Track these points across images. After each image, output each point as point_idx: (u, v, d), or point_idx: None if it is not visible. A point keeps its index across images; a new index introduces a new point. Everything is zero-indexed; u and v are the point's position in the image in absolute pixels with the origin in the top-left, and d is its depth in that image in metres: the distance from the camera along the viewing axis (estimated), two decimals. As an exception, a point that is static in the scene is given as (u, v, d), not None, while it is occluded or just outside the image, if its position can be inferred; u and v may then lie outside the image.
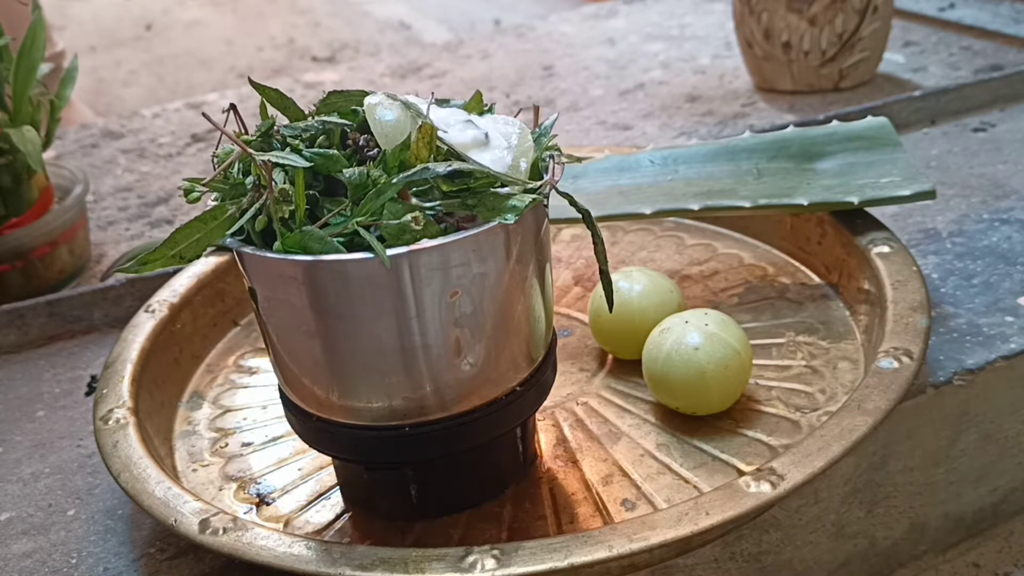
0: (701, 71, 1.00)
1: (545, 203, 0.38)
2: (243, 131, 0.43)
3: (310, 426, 0.42)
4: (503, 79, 1.05)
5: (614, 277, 0.53)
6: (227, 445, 0.51)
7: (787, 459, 0.39)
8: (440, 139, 0.39)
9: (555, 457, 0.47)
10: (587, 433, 0.48)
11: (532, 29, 1.21)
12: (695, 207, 0.55)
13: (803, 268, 0.58)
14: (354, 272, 0.36)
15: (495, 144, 0.41)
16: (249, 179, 0.40)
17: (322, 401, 0.41)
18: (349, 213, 0.38)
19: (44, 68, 0.71)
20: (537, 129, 0.43)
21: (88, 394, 0.60)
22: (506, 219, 0.37)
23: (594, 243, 0.40)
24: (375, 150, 0.40)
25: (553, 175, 0.40)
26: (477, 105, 0.46)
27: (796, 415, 0.47)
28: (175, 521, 0.40)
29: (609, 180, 0.58)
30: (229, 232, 0.38)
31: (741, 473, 0.44)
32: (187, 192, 0.42)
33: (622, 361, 0.53)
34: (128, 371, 0.51)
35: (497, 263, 0.38)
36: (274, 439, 0.51)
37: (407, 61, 1.15)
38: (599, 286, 0.53)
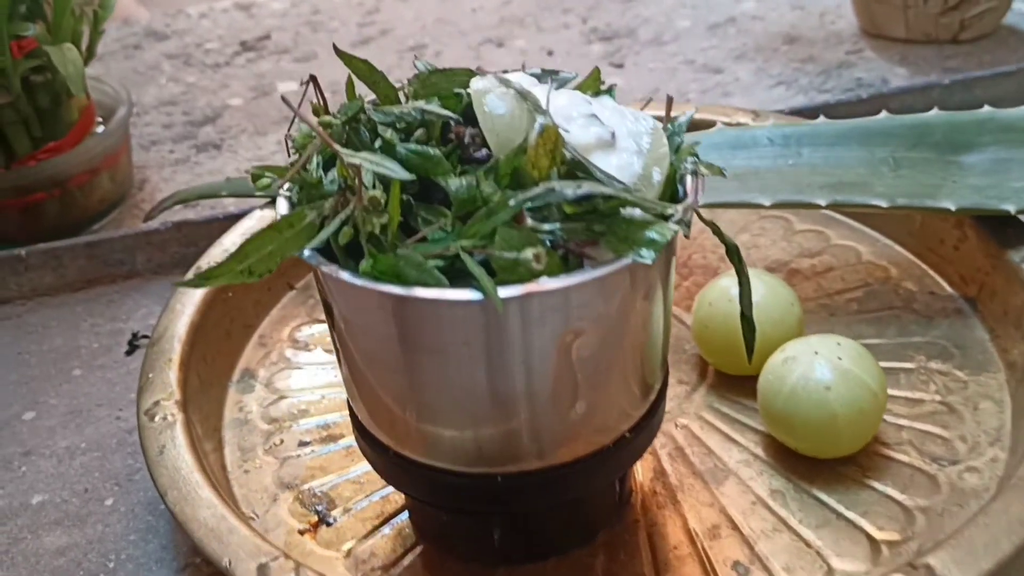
0: (800, 6, 0.91)
1: (686, 232, 0.32)
2: (322, 106, 0.37)
3: (386, 460, 0.36)
4: (579, 0, 0.96)
5: (722, 280, 0.47)
6: (282, 442, 0.45)
7: (946, 555, 0.33)
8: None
9: (653, 493, 0.41)
10: (689, 467, 0.42)
11: (611, -59, 1.11)
12: (822, 202, 0.48)
13: (933, 274, 0.52)
14: (456, 312, 0.30)
15: (622, 146, 0.34)
16: (331, 176, 0.33)
17: (401, 436, 0.35)
18: (451, 229, 0.32)
19: (87, -28, 0.64)
20: (669, 126, 0.36)
21: (129, 353, 0.55)
22: (642, 257, 0.30)
23: (739, 283, 0.34)
24: (483, 151, 0.33)
25: (696, 195, 0.33)
26: (593, 84, 0.39)
27: (932, 467, 0.41)
28: (229, 564, 0.35)
29: (721, 159, 0.50)
30: (310, 245, 0.32)
31: (872, 540, 0.38)
32: (255, 178, 0.36)
33: (726, 375, 0.47)
34: (176, 351, 0.45)
35: (624, 302, 0.32)
36: (333, 438, 0.45)
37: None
38: (709, 288, 0.46)
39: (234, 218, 0.59)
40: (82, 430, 0.51)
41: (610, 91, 0.39)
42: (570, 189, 0.30)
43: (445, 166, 0.32)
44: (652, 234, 0.31)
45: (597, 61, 0.84)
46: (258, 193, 0.56)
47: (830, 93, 0.75)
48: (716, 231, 0.33)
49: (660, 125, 0.36)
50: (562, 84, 0.40)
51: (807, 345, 0.41)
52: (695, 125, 0.59)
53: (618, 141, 0.34)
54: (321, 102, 0.36)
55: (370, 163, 0.30)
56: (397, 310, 0.31)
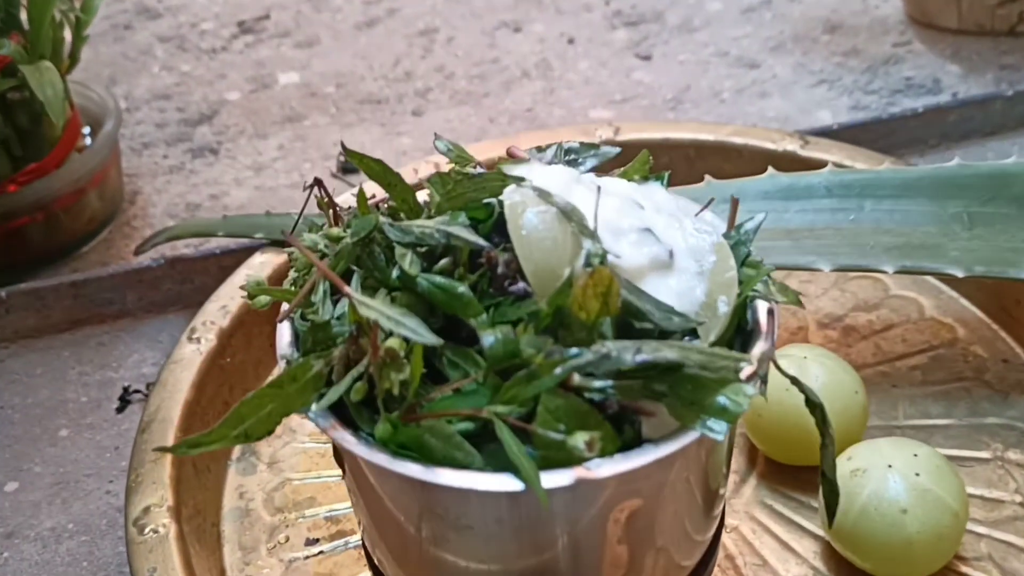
0: (840, -13, 0.84)
1: (763, 391, 0.27)
2: (331, 212, 0.31)
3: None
4: (603, -24, 0.89)
5: (778, 356, 0.42)
6: (287, 540, 0.41)
7: None
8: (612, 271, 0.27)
9: (701, 617, 0.37)
10: (741, 581, 0.38)
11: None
12: (888, 269, 0.43)
13: (1005, 336, 0.47)
14: (490, 501, 0.26)
15: (682, 266, 0.29)
16: (340, 309, 0.28)
17: (424, 592, 0.31)
18: (483, 381, 0.27)
19: (66, -29, 0.58)
20: (734, 233, 0.31)
21: (119, 410, 0.51)
22: (713, 432, 0.25)
23: (823, 444, 0.29)
24: (519, 284, 0.28)
25: (772, 337, 0.28)
26: (641, 167, 0.34)
27: (1016, 590, 0.37)
28: None
29: (773, 212, 0.45)
30: (316, 406, 0.27)
31: None
32: (252, 295, 0.31)
33: (778, 464, 0.42)
34: (169, 439, 0.41)
35: (685, 469, 0.28)
36: (343, 534, 0.41)
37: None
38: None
39: (231, 253, 0.54)
40: (69, 507, 0.46)
41: (661, 178, 0.33)
42: (629, 354, 0.25)
43: (475, 308, 0.27)
44: (724, 400, 0.26)
45: (622, 51, 0.78)
46: (257, 236, 0.52)
47: (877, 95, 0.69)
48: (797, 384, 0.28)
49: (722, 231, 0.31)
50: (603, 160, 0.35)
51: (879, 454, 0.37)
52: (736, 153, 0.54)
53: (677, 260, 0.29)
54: (328, 206, 0.31)
55: (388, 319, 0.25)
56: (421, 491, 0.26)
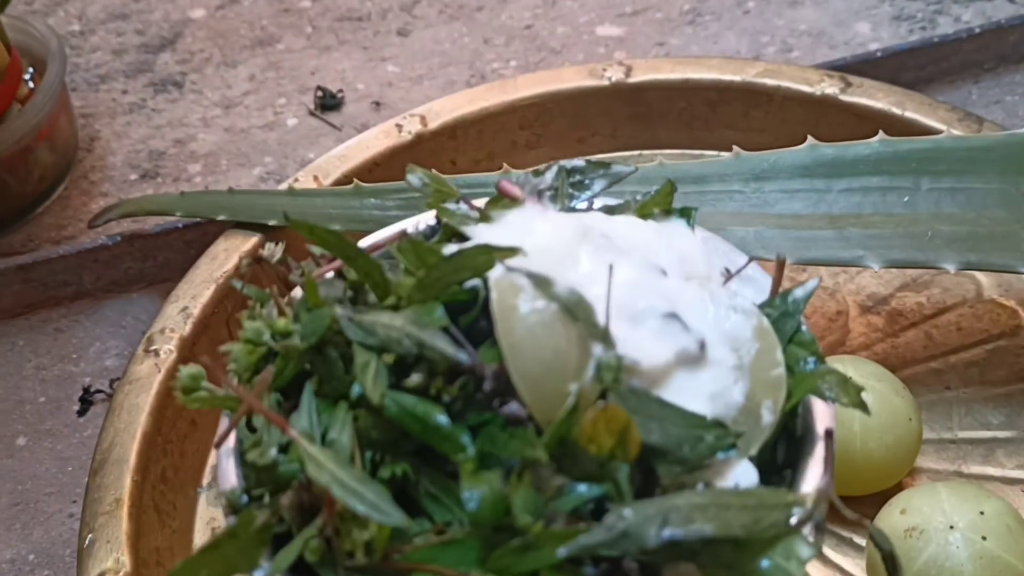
0: None
1: (820, 544, 0.21)
2: (279, 285, 0.25)
3: None
4: None
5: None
6: (266, 587, 0.37)
7: None
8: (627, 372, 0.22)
9: None
10: (774, 639, 0.34)
11: None
12: (951, 267, 0.37)
13: (1078, 325, 0.41)
14: None
15: (715, 359, 0.24)
16: (287, 441, 0.23)
17: None
18: (467, 524, 0.22)
19: None
20: (780, 301, 0.25)
21: (81, 413, 0.46)
22: (760, 611, 0.20)
23: (888, 570, 0.23)
24: (511, 405, 0.22)
25: (830, 465, 0.23)
26: (663, 200, 0.28)
27: (1089, 655, 0.32)
28: None
29: (813, 191, 0.39)
30: (266, 567, 0.22)
31: None
32: (186, 390, 0.25)
33: (818, 489, 0.37)
34: (126, 485, 0.36)
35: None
36: None
37: None
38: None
39: (196, 227, 0.48)
40: (29, 532, 0.42)
41: (686, 214, 0.27)
42: (651, 530, 0.19)
43: (456, 444, 0.22)
44: (772, 567, 0.20)
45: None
46: (219, 219, 0.45)
47: (922, 1, 0.61)
48: (878, 546, 0.23)
49: (764, 297, 0.25)
50: (613, 182, 0.29)
51: (939, 510, 0.32)
52: (767, 97, 0.47)
53: (709, 351, 0.23)
54: (277, 284, 0.25)
55: (343, 488, 0.20)
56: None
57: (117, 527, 0.35)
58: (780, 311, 0.25)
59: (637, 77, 0.49)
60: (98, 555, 0.34)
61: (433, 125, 0.48)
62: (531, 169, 0.29)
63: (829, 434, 0.23)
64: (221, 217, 0.44)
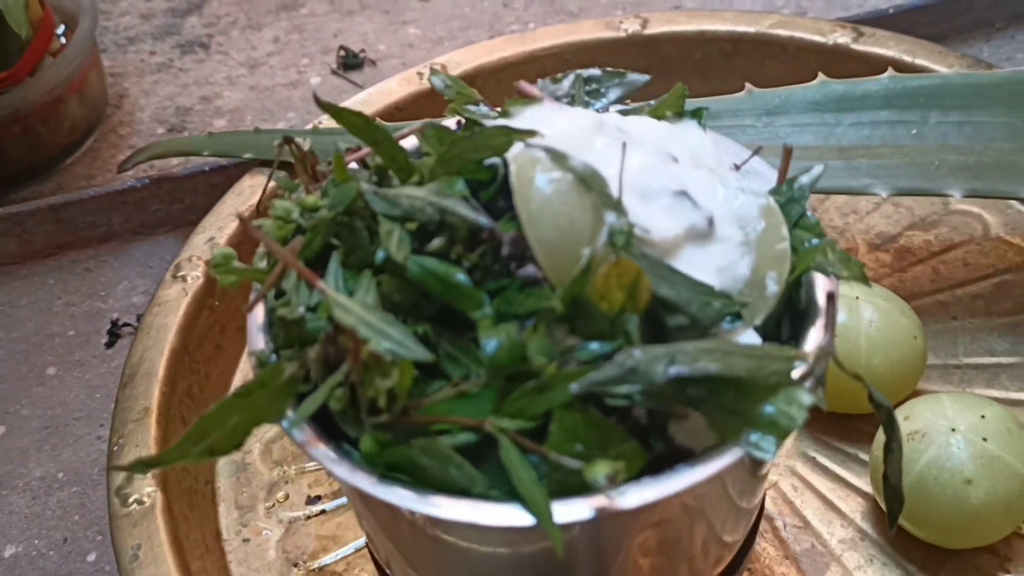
0: None
1: (822, 399, 0.22)
2: (309, 170, 0.27)
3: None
4: None
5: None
6: (287, 498, 0.38)
7: None
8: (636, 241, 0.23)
9: (737, 589, 0.34)
10: (781, 548, 0.35)
11: None
12: (956, 193, 0.38)
13: (1082, 260, 0.42)
14: (495, 533, 0.22)
15: (723, 235, 0.25)
16: (315, 301, 0.24)
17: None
18: (486, 382, 0.23)
19: None
20: (786, 188, 0.26)
21: (109, 345, 0.47)
22: (759, 451, 0.21)
23: (889, 449, 0.24)
24: (528, 267, 0.23)
25: (832, 326, 0.24)
26: (675, 102, 0.29)
27: (1089, 561, 0.33)
28: None
29: (823, 125, 0.40)
30: (292, 415, 0.23)
31: None
32: (219, 268, 0.26)
33: (823, 412, 0.38)
34: (154, 396, 0.37)
35: (727, 486, 0.24)
36: (349, 492, 0.38)
37: None
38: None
39: (222, 171, 0.49)
40: (59, 453, 0.43)
41: (698, 114, 0.28)
42: (660, 365, 0.21)
43: (475, 300, 0.23)
44: (773, 411, 0.21)
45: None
46: (246, 157, 0.47)
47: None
48: (862, 382, 0.24)
49: (771, 183, 0.26)
50: (629, 92, 0.30)
51: (941, 415, 0.32)
52: (781, 48, 0.48)
53: (717, 228, 0.24)
54: (308, 168, 0.26)
55: (368, 327, 0.21)
56: (415, 518, 0.23)
57: (146, 433, 0.36)
58: (787, 197, 0.26)
59: (653, 29, 0.50)
60: (127, 456, 0.36)
61: (454, 73, 0.49)
62: (549, 77, 0.30)
63: (831, 297, 0.24)
64: (247, 155, 0.46)
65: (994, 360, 0.39)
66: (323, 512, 0.38)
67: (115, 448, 0.36)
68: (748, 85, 0.42)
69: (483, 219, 0.23)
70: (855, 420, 0.37)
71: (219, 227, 0.43)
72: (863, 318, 0.35)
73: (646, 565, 0.24)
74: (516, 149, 0.24)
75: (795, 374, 0.22)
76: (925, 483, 0.32)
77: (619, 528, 0.22)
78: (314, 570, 0.36)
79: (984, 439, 0.32)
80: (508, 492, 0.21)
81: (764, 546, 0.35)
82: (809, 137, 0.40)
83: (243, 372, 0.43)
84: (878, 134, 0.39)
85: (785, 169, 0.26)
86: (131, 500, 0.35)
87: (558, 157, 0.24)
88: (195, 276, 0.42)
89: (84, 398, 0.46)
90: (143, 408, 0.37)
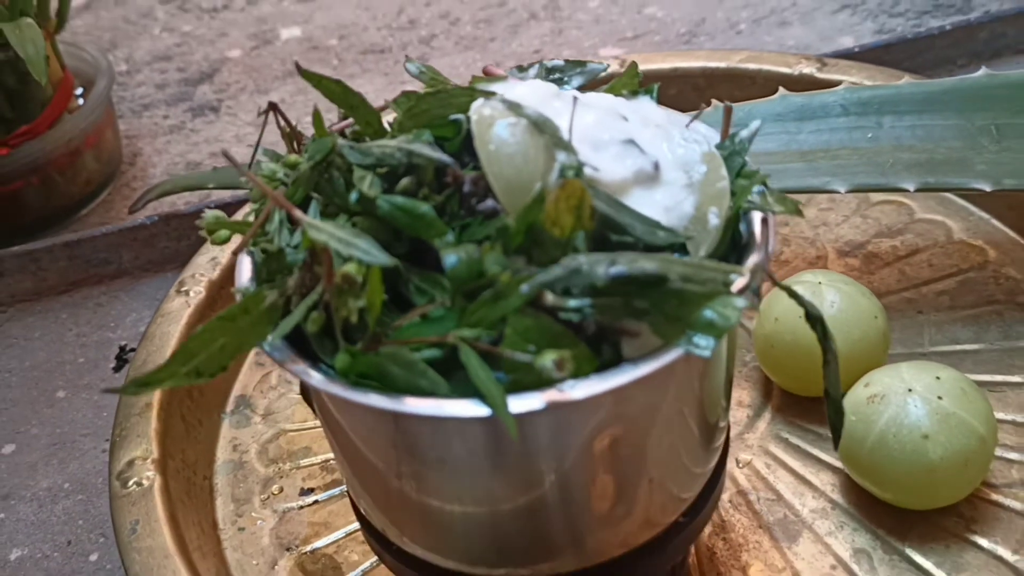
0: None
1: (756, 304, 0.24)
2: (292, 138, 0.29)
3: (392, 553, 0.30)
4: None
5: (792, 283, 0.39)
6: (281, 491, 0.40)
7: None
8: (587, 183, 0.25)
9: (712, 555, 0.35)
10: (755, 518, 0.36)
11: None
12: (910, 186, 0.40)
13: (1040, 257, 0.44)
14: (459, 429, 0.24)
15: (669, 179, 0.27)
16: (295, 240, 0.26)
17: (408, 535, 0.29)
18: (451, 305, 0.25)
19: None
20: (728, 143, 0.29)
21: (116, 369, 0.50)
22: (698, 348, 0.23)
23: (825, 361, 0.26)
24: (488, 202, 0.26)
25: (767, 248, 0.26)
26: (630, 81, 0.32)
27: (1051, 520, 0.34)
28: None
29: (785, 133, 0.43)
30: (272, 337, 0.25)
31: (983, 627, 0.32)
32: (211, 230, 0.29)
33: (795, 396, 0.40)
34: (155, 394, 0.39)
35: (674, 391, 0.25)
36: (339, 482, 0.39)
37: None
38: (775, 299, 0.39)
39: (225, 207, 0.52)
40: (66, 466, 0.45)
41: (651, 91, 0.31)
42: (601, 267, 0.23)
43: (439, 227, 0.25)
44: (711, 314, 0.23)
45: (634, -13, 0.74)
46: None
47: (903, 17, 0.66)
48: (793, 296, 0.26)
49: (715, 141, 0.28)
50: (590, 79, 0.32)
51: (898, 378, 0.34)
52: (749, 79, 0.51)
53: (663, 172, 0.27)
54: (289, 130, 0.29)
55: (338, 241, 0.23)
56: (386, 422, 0.24)
57: (147, 425, 0.38)
58: (729, 150, 0.28)
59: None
60: (128, 446, 0.37)
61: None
62: (514, 66, 0.33)
63: (764, 221, 0.26)
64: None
65: (959, 347, 0.41)
66: (316, 502, 0.39)
67: (117, 438, 0.38)
68: (714, 101, 0.44)
69: (445, 157, 0.26)
70: (822, 401, 0.38)
71: (222, 248, 0.46)
72: (826, 300, 0.37)
73: (609, 482, 0.26)
74: (477, 105, 0.27)
75: (735, 288, 0.24)
76: (886, 442, 0.33)
77: (573, 424, 0.24)
78: (306, 553, 0.37)
79: (939, 397, 0.33)
80: (471, 396, 0.23)
81: (739, 517, 0.36)
82: (772, 144, 0.42)
83: (242, 383, 0.45)
84: (836, 138, 0.42)
85: (727, 125, 0.29)
86: (131, 483, 0.36)
87: (514, 107, 0.26)
88: (198, 291, 0.44)
89: (91, 417, 0.48)
90: (145, 404, 0.39)
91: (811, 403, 0.39)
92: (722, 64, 0.53)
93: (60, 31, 0.59)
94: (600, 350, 0.24)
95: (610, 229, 0.25)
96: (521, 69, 0.33)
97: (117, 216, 0.60)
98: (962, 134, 0.41)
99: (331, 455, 0.41)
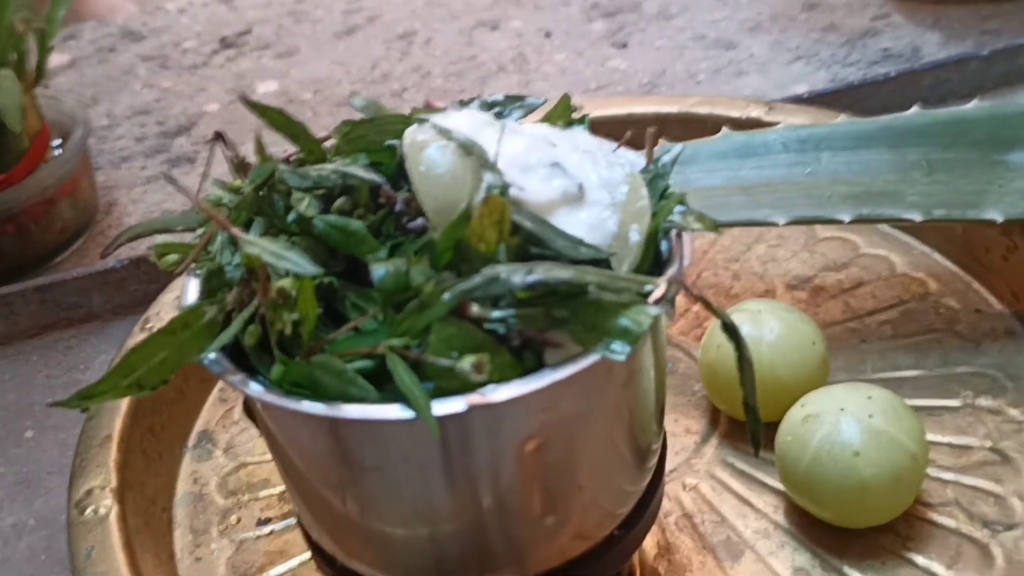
0: (820, -34, 0.83)
1: (671, 313, 0.26)
2: (238, 167, 0.31)
3: (336, 570, 0.31)
4: (580, -30, 0.89)
5: (734, 316, 0.40)
6: (239, 521, 0.40)
7: None
8: (514, 203, 0.26)
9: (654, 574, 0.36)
10: (699, 540, 0.37)
11: (614, -99, 1.03)
12: (845, 217, 0.41)
13: (978, 288, 0.45)
14: (388, 431, 0.25)
15: (593, 200, 0.28)
16: (236, 260, 0.27)
17: (349, 550, 0.30)
18: (382, 319, 0.26)
19: (31, -18, 0.58)
20: (652, 167, 0.30)
21: (84, 409, 0.50)
22: (613, 353, 0.24)
23: (740, 367, 0.28)
24: (418, 220, 0.27)
25: (681, 261, 0.27)
26: (563, 112, 0.33)
27: (984, 534, 0.35)
28: None
29: (728, 170, 0.44)
30: (210, 349, 0.26)
31: (916, 638, 0.32)
32: (160, 254, 0.30)
33: (740, 422, 0.41)
34: (116, 427, 0.40)
35: (596, 399, 0.26)
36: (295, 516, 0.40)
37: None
38: (716, 325, 0.40)
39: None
40: (31, 503, 0.46)
41: (583, 120, 0.33)
42: (518, 276, 0.24)
43: (370, 243, 0.26)
44: (626, 322, 0.25)
45: (598, 41, 0.77)
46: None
47: (854, 67, 0.68)
48: (708, 306, 0.27)
49: (640, 165, 0.30)
50: (528, 112, 0.34)
51: (831, 399, 0.35)
52: (700, 123, 0.53)
53: (588, 193, 0.28)
54: (235, 160, 0.30)
55: (269, 254, 0.25)
56: (319, 427, 0.26)
57: (106, 455, 0.39)
58: (652, 173, 0.30)
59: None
60: (87, 475, 0.38)
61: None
62: (456, 101, 0.35)
63: (679, 235, 0.28)
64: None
65: (899, 374, 0.42)
66: (272, 532, 0.40)
67: (76, 467, 0.39)
68: (662, 140, 0.46)
69: (378, 177, 0.27)
70: (770, 428, 0.39)
71: (178, 293, 0.47)
72: (765, 327, 0.39)
73: (539, 492, 0.27)
74: (410, 131, 0.28)
75: (652, 299, 0.25)
76: (820, 460, 0.34)
77: (498, 428, 0.25)
78: (260, 581, 0.38)
79: (870, 416, 0.34)
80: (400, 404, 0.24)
81: (683, 539, 0.37)
82: (716, 180, 0.44)
83: (204, 419, 0.45)
84: (777, 174, 0.44)
85: (651, 151, 0.30)
86: (88, 510, 0.37)
87: (444, 131, 0.28)
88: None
89: (58, 456, 0.48)
90: (105, 435, 0.40)
91: (756, 429, 0.40)
92: (675, 109, 0.55)
93: (39, 84, 0.61)
94: (523, 359, 0.25)
95: (535, 244, 0.26)
96: (463, 104, 0.34)
97: (91, 263, 0.61)
98: (895, 168, 0.43)
99: (289, 486, 0.41)
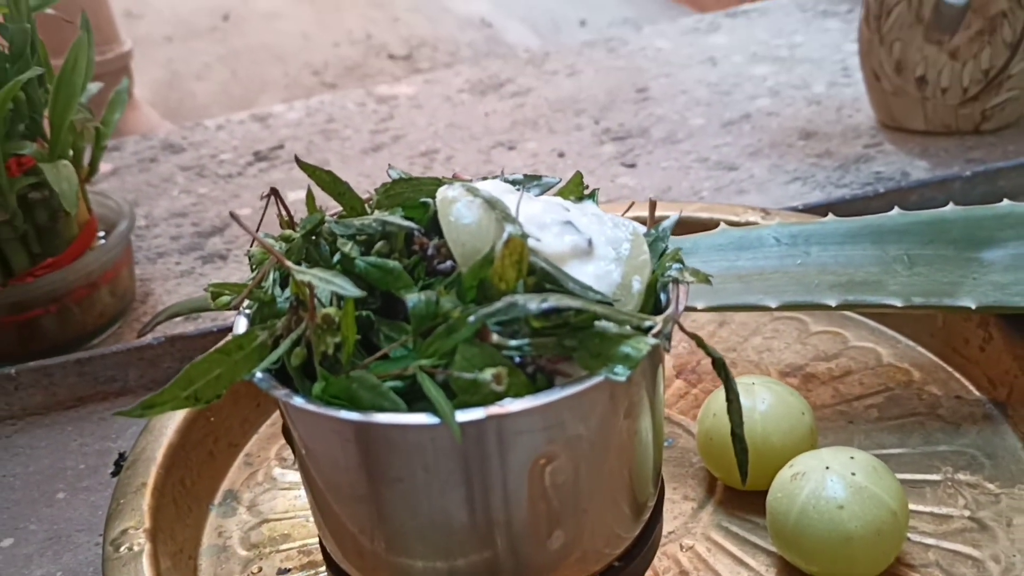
0: (815, 101, 0.89)
1: (667, 346, 0.29)
2: (287, 219, 0.35)
3: (355, 593, 0.33)
4: (592, 101, 0.95)
5: (731, 388, 0.44)
6: (260, 570, 0.43)
7: None
8: (531, 250, 0.30)
9: (654, 626, 0.38)
10: (694, 593, 0.39)
11: (624, 43, 1.11)
12: (832, 303, 0.45)
13: (959, 376, 0.48)
14: (415, 438, 0.28)
15: (600, 254, 0.32)
16: (285, 294, 0.31)
17: (370, 569, 0.32)
18: (412, 347, 0.29)
19: (92, 88, 0.64)
20: (653, 231, 0.34)
21: (114, 474, 0.53)
22: (615, 375, 0.28)
23: (728, 400, 0.31)
24: (447, 262, 0.31)
25: (677, 305, 0.31)
26: (576, 188, 0.37)
27: (962, 593, 0.37)
28: None
29: (725, 260, 0.48)
30: (260, 367, 0.29)
31: None
32: (214, 296, 0.34)
33: (736, 491, 0.43)
34: (151, 475, 0.43)
35: (602, 422, 0.30)
36: (315, 565, 0.42)
37: (488, 75, 1.06)
38: (714, 397, 0.43)
39: (228, 331, 0.57)
40: (59, 557, 0.48)
41: (592, 195, 0.37)
42: (534, 303, 0.28)
43: (405, 280, 0.30)
44: (627, 349, 0.28)
45: (608, 161, 0.83)
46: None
47: (847, 188, 0.73)
48: (700, 343, 0.31)
49: (642, 230, 0.34)
50: (544, 190, 0.38)
51: (818, 459, 0.38)
52: (702, 226, 0.57)
53: (595, 248, 0.32)
54: (285, 215, 0.35)
55: (319, 280, 0.28)
56: (352, 436, 0.29)
57: (141, 500, 0.42)
58: (653, 237, 0.34)
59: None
60: (123, 516, 0.41)
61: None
62: (480, 177, 0.39)
63: (676, 282, 0.31)
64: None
65: (884, 451, 0.45)
66: (291, 581, 0.42)
67: (113, 511, 0.42)
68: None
69: (413, 225, 0.31)
70: (760, 495, 0.42)
71: (220, 358, 0.51)
72: (758, 397, 0.42)
73: (547, 509, 0.30)
74: (442, 189, 0.32)
75: (651, 335, 0.29)
76: (807, 513, 0.37)
77: (509, 437, 0.28)
78: (279, 624, 0.40)
79: (853, 473, 0.37)
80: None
81: (680, 593, 0.39)
82: (713, 269, 0.48)
83: (231, 479, 0.48)
84: (770, 264, 0.47)
85: (652, 216, 0.34)
86: (123, 548, 0.40)
87: (472, 189, 0.32)
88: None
89: (87, 515, 0.51)
90: (141, 483, 0.43)
91: (752, 496, 0.43)
92: (676, 213, 0.59)
93: (90, 179, 0.66)
94: (536, 383, 0.29)
95: (549, 283, 0.30)
96: (484, 180, 0.39)
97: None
98: (878, 261, 0.46)
99: (308, 540, 0.44)
